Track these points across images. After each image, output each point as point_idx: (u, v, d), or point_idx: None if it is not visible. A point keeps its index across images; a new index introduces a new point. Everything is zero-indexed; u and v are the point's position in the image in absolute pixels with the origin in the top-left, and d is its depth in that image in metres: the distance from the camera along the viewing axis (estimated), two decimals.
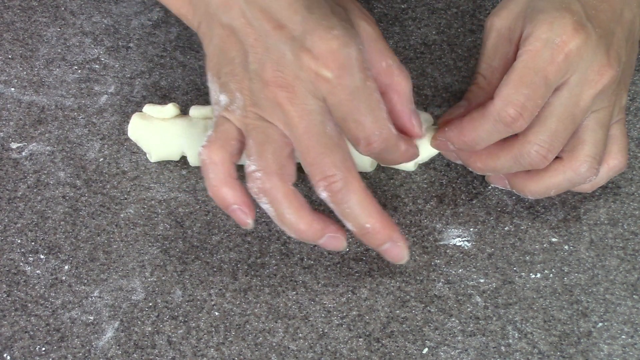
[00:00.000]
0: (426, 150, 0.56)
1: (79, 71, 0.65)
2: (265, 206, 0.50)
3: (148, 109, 0.58)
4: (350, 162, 0.49)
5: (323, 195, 0.49)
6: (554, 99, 0.51)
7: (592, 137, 0.52)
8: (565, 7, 0.50)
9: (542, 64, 0.49)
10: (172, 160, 0.60)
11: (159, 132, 0.58)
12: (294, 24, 0.48)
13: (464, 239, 0.57)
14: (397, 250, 0.51)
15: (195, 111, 0.58)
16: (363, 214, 0.49)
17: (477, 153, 0.53)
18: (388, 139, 0.50)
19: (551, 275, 0.55)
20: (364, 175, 0.59)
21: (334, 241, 0.51)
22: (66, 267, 0.56)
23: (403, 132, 0.52)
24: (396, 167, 0.58)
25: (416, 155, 0.53)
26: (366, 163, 0.58)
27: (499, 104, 0.50)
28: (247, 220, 0.51)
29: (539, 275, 0.55)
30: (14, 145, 0.62)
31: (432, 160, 0.60)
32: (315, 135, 0.48)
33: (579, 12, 0.50)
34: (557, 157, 0.53)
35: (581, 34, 0.49)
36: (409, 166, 0.58)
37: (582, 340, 0.53)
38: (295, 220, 0.50)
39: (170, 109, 0.58)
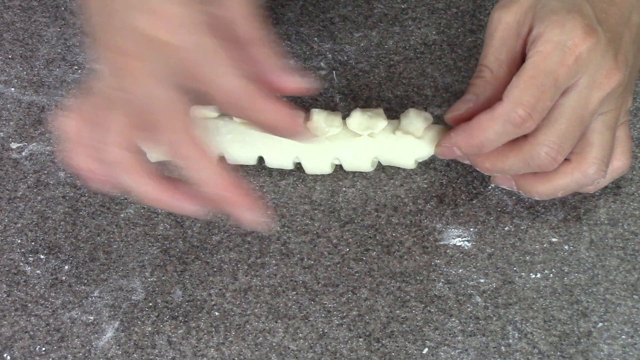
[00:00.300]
0: (427, 149, 0.56)
1: (79, 71, 0.65)
2: (117, 174, 0.50)
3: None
4: (198, 127, 0.49)
5: (173, 160, 0.49)
6: (563, 100, 0.51)
7: (599, 139, 0.52)
8: (577, 9, 0.50)
9: (552, 66, 0.49)
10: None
11: None
12: None
13: (464, 239, 0.57)
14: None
15: (195, 111, 0.58)
16: (214, 178, 0.48)
17: (487, 154, 0.53)
18: (246, 94, 0.48)
19: (551, 275, 0.55)
20: (364, 175, 0.59)
21: (180, 204, 0.50)
22: (66, 267, 0.56)
23: (286, 90, 0.50)
24: (396, 165, 0.58)
25: (298, 121, 0.50)
26: (367, 163, 0.58)
27: (509, 105, 0.50)
28: (104, 187, 0.51)
29: (539, 275, 0.55)
30: (14, 145, 0.62)
31: (432, 160, 0.60)
32: (162, 100, 0.48)
33: (590, 15, 0.50)
34: (565, 159, 0.53)
35: (592, 37, 0.49)
36: (409, 164, 0.58)
37: (582, 340, 0.53)
38: (146, 186, 0.49)
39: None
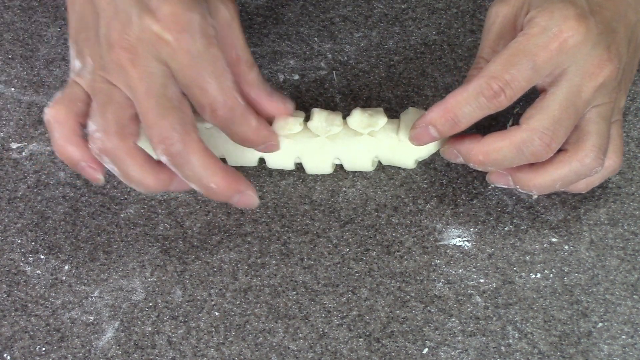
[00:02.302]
0: (426, 148, 0.56)
1: None
2: (109, 166, 0.51)
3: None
4: (191, 126, 0.49)
5: (163, 158, 0.50)
6: (554, 88, 0.51)
7: (595, 128, 0.52)
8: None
9: (533, 49, 0.50)
10: None
11: None
12: None
13: (464, 239, 0.57)
14: (245, 198, 0.52)
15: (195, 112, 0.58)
16: (206, 174, 0.50)
17: (479, 146, 0.52)
18: (234, 109, 0.50)
19: (551, 275, 0.55)
20: (364, 175, 0.59)
21: (180, 186, 0.52)
22: (66, 267, 0.56)
23: (268, 114, 0.54)
24: (396, 164, 0.58)
25: (271, 138, 0.55)
26: (367, 162, 0.58)
27: (483, 79, 0.50)
28: (97, 176, 0.52)
29: (539, 275, 0.55)
30: (14, 145, 0.62)
31: (432, 160, 0.60)
32: (154, 97, 0.48)
33: (583, 5, 0.51)
34: (561, 150, 0.52)
35: (581, 26, 0.50)
36: (409, 163, 0.58)
37: (582, 341, 0.53)
38: (141, 175, 0.50)
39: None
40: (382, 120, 0.56)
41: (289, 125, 0.55)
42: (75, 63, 0.51)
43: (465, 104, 0.51)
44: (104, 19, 0.49)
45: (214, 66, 0.49)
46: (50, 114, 0.51)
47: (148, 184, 0.51)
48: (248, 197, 0.52)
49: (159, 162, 0.51)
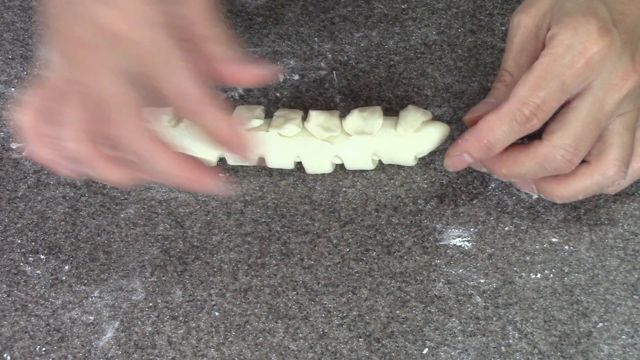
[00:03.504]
0: (426, 144, 0.56)
1: None
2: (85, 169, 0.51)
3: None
4: (146, 124, 0.49)
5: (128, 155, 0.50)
6: (578, 103, 0.51)
7: (619, 140, 0.52)
8: (592, 11, 0.50)
9: (560, 69, 0.49)
10: None
11: (162, 128, 0.57)
12: None
13: (464, 239, 0.57)
14: (212, 187, 0.51)
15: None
16: (168, 170, 0.49)
17: (502, 159, 0.53)
18: (197, 96, 0.49)
19: (551, 275, 0.55)
20: (364, 175, 0.59)
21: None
22: (66, 267, 0.56)
23: (242, 81, 0.51)
24: (396, 162, 0.58)
25: (238, 131, 0.51)
26: (367, 160, 0.58)
27: (515, 104, 0.50)
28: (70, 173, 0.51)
29: (539, 275, 0.55)
30: (14, 145, 0.62)
31: (432, 160, 0.60)
32: (114, 95, 0.48)
33: (605, 17, 0.50)
34: (584, 161, 0.52)
35: (605, 40, 0.49)
36: (409, 160, 0.57)
37: (582, 341, 0.53)
38: (108, 173, 0.50)
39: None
40: (377, 123, 0.56)
41: (252, 121, 0.56)
42: (46, 58, 0.51)
43: (498, 130, 0.51)
44: (67, 14, 0.48)
45: (171, 57, 0.48)
46: (19, 116, 0.50)
47: (114, 179, 0.50)
48: (214, 186, 0.51)
49: (127, 161, 0.50)
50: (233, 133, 0.50)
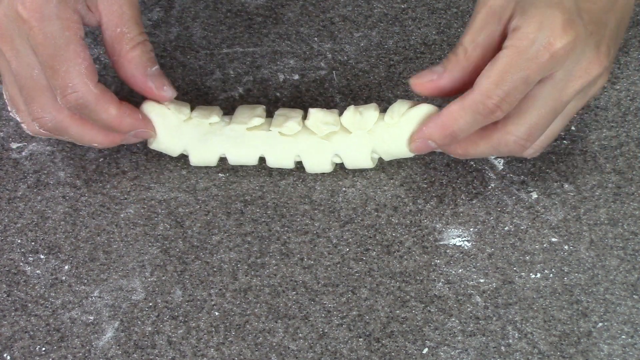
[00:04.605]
0: (414, 126, 0.55)
1: None
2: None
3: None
4: (58, 104, 0.52)
5: (42, 131, 0.54)
6: (537, 91, 0.51)
7: (536, 114, 0.52)
8: (557, 2, 0.50)
9: (525, 63, 0.50)
10: (171, 160, 0.60)
11: (165, 125, 0.57)
12: None
13: (464, 239, 0.57)
14: (144, 134, 0.56)
15: (197, 112, 0.58)
16: (91, 136, 0.54)
17: (458, 142, 0.54)
18: (84, 97, 0.52)
19: (551, 275, 0.55)
20: (364, 175, 0.59)
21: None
22: (66, 267, 0.56)
23: (147, 96, 0.55)
24: (395, 156, 0.57)
25: (139, 125, 0.56)
26: (366, 157, 0.57)
27: (479, 96, 0.51)
28: None
29: (539, 275, 0.55)
30: (14, 145, 0.62)
31: (432, 160, 0.60)
32: (23, 78, 0.52)
33: (571, 8, 0.50)
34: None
35: (570, 34, 0.49)
36: (404, 150, 0.57)
37: (582, 340, 0.53)
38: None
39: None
40: (373, 115, 0.56)
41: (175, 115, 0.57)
42: None
43: (462, 120, 0.52)
44: None
45: (66, 50, 0.50)
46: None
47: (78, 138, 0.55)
48: (144, 133, 0.56)
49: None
50: (134, 128, 0.55)
